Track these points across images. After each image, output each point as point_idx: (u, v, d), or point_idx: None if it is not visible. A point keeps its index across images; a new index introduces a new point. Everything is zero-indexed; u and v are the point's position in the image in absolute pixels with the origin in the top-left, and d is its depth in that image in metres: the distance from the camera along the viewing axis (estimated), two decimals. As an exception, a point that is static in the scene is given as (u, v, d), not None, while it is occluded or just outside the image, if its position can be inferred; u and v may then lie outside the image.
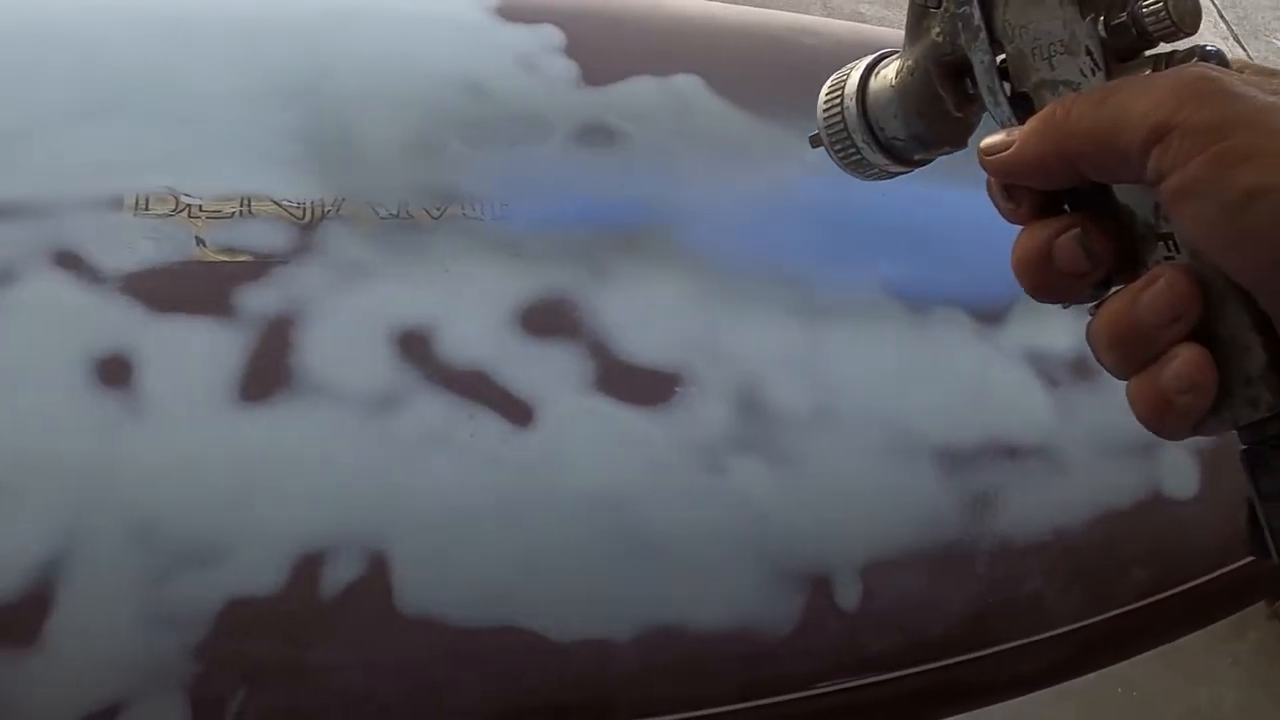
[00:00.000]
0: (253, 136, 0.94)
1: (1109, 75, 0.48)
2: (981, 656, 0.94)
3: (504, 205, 0.95)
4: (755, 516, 0.90)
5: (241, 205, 0.91)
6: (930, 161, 0.58)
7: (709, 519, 0.89)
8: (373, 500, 0.85)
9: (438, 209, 0.94)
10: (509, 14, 1.04)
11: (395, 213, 0.93)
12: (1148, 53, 0.48)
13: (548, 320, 0.90)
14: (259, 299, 0.88)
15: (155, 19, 1.01)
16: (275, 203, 0.91)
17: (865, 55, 0.99)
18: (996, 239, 1.06)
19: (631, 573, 0.87)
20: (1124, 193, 0.46)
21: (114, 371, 0.83)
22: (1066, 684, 1.09)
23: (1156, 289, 0.42)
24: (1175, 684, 2.46)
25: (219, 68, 0.95)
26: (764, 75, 1.07)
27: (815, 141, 0.61)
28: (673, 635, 0.87)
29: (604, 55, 1.03)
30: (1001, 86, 0.50)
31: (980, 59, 0.51)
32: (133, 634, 0.81)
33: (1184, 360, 0.41)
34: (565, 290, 0.92)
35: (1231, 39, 3.65)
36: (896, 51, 0.57)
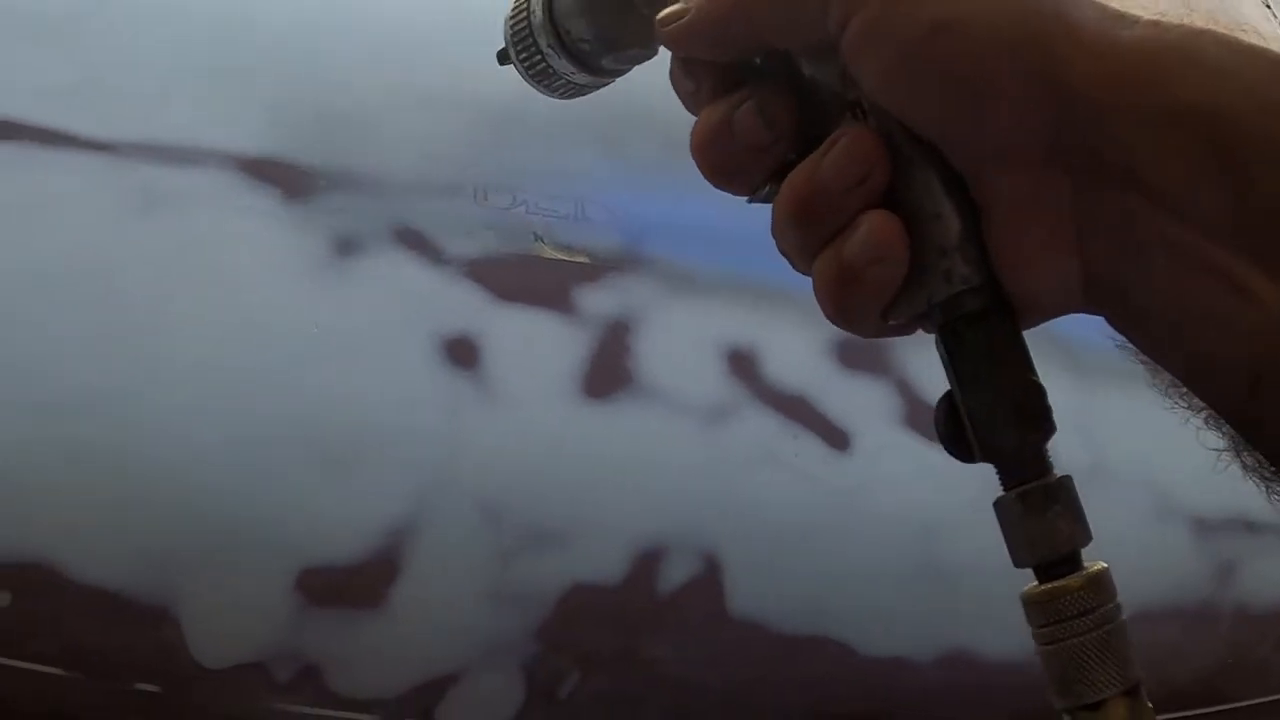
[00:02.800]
0: (579, 148, 0.94)
1: None
2: (1214, 713, 0.97)
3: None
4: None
5: (577, 209, 0.91)
6: (620, 73, 0.52)
7: (1003, 556, 0.91)
8: (707, 505, 0.85)
9: (749, 227, 0.95)
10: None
11: (712, 227, 0.94)
12: None
13: (859, 354, 0.92)
14: (597, 300, 0.88)
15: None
16: (599, 211, 0.92)
17: None
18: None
19: (934, 599, 0.89)
20: (809, 65, 0.40)
21: (462, 353, 0.83)
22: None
23: (838, 149, 0.36)
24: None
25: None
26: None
27: (502, 57, 0.54)
28: (965, 660, 0.89)
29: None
30: None
31: None
32: (476, 608, 0.80)
33: (870, 227, 0.35)
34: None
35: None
36: None
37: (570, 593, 0.81)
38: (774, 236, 0.38)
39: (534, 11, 0.52)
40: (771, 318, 0.92)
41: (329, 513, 0.79)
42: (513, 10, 0.54)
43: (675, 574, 0.83)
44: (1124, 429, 0.97)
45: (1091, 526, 0.90)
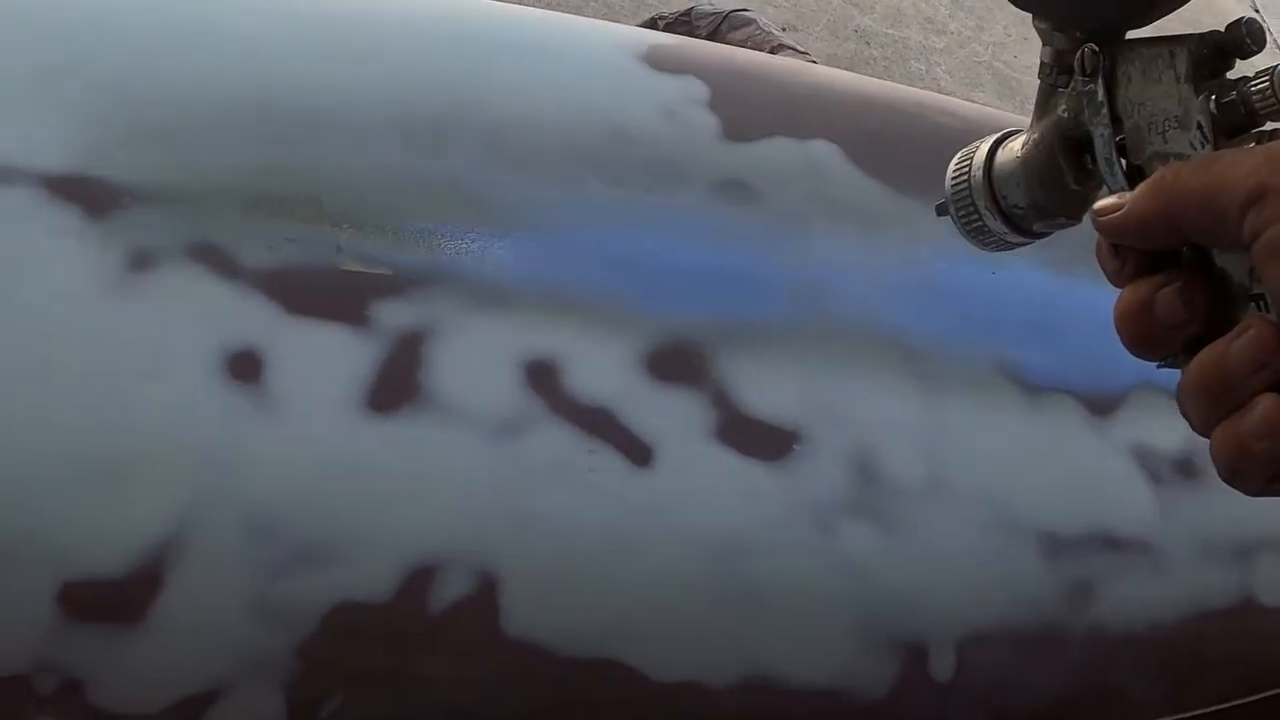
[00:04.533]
0: (393, 154, 0.91)
1: (1216, 148, 0.49)
2: (1064, 742, 0.89)
3: (638, 247, 0.91)
4: (860, 580, 0.86)
5: (385, 221, 0.88)
6: (1046, 235, 0.60)
7: (815, 577, 0.85)
8: (487, 521, 0.81)
9: (573, 242, 0.90)
10: (656, 63, 1.01)
11: (531, 241, 0.90)
12: (1254, 130, 0.50)
13: (674, 365, 0.87)
14: (394, 313, 0.84)
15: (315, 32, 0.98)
16: (412, 221, 0.88)
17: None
18: (1111, 335, 1.03)
19: (735, 621, 0.83)
20: (1222, 257, 0.47)
21: (245, 367, 0.80)
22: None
23: (1245, 338, 0.43)
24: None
25: (366, 93, 0.92)
26: (898, 149, 1.03)
27: (941, 210, 0.62)
28: (769, 687, 0.83)
29: (745, 112, 1.00)
30: (1119, 159, 0.52)
31: (1101, 133, 0.53)
32: (238, 624, 0.78)
33: (1264, 407, 0.42)
34: (692, 337, 0.88)
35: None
36: (1022, 130, 0.59)
37: (335, 610, 0.78)
38: (1179, 400, 0.46)
39: (974, 175, 0.60)
40: (580, 330, 0.88)
41: (94, 526, 0.77)
42: (954, 171, 0.62)
43: (448, 592, 0.79)
44: (969, 440, 0.90)
45: (924, 545, 0.84)
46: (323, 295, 0.84)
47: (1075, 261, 1.00)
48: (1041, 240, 0.96)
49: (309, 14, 0.95)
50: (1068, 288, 1.00)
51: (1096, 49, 0.53)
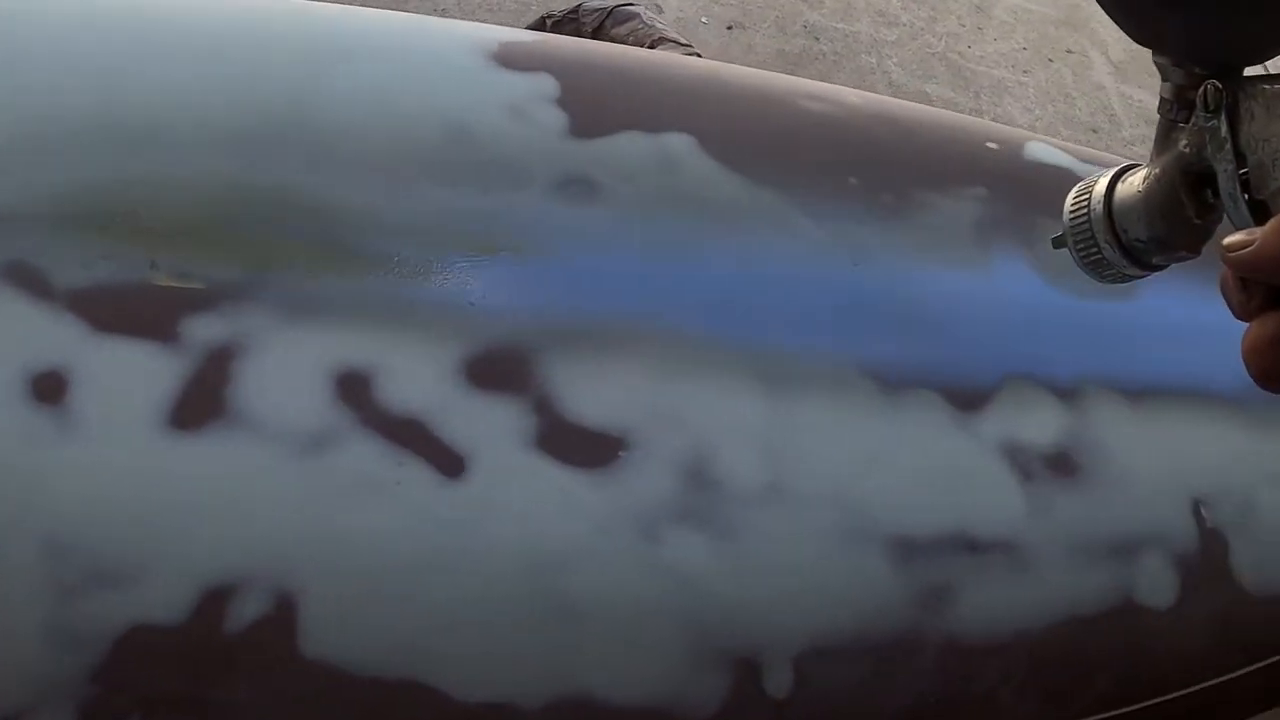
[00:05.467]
0: (216, 165, 0.88)
1: None
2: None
3: (468, 249, 0.87)
4: (687, 591, 0.81)
5: (198, 233, 0.85)
6: (1164, 268, 0.61)
7: (636, 590, 0.80)
8: (286, 540, 0.77)
9: (398, 249, 0.87)
10: (506, 61, 0.97)
11: (355, 250, 0.86)
12: None
13: (495, 372, 0.82)
14: (205, 328, 0.81)
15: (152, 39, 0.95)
16: (232, 233, 0.85)
17: (884, 124, 0.91)
18: (987, 324, 0.96)
19: (547, 638, 0.79)
20: None
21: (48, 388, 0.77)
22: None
23: None
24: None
25: (193, 96, 0.89)
26: (761, 138, 0.98)
27: (1058, 242, 0.63)
28: (583, 707, 0.78)
29: (596, 107, 0.95)
30: (1242, 194, 0.53)
31: (1224, 169, 0.53)
32: (32, 646, 0.75)
33: None
34: (517, 342, 0.84)
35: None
36: (1139, 164, 0.60)
37: (130, 633, 0.75)
38: None
39: (1094, 209, 0.61)
40: (397, 339, 0.84)
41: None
42: (1073, 204, 0.62)
43: (244, 613, 0.76)
44: (817, 442, 0.85)
45: (761, 553, 0.79)
46: (133, 312, 0.81)
47: (944, 250, 0.94)
48: (909, 227, 0.91)
49: (133, 26, 0.93)
50: (936, 279, 0.95)
51: (1220, 86, 0.53)
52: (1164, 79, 0.58)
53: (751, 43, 3.55)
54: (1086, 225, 0.61)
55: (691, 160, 0.95)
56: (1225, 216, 0.55)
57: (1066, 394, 0.93)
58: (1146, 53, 0.60)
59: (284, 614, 0.76)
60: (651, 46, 2.06)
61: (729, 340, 0.88)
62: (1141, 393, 0.95)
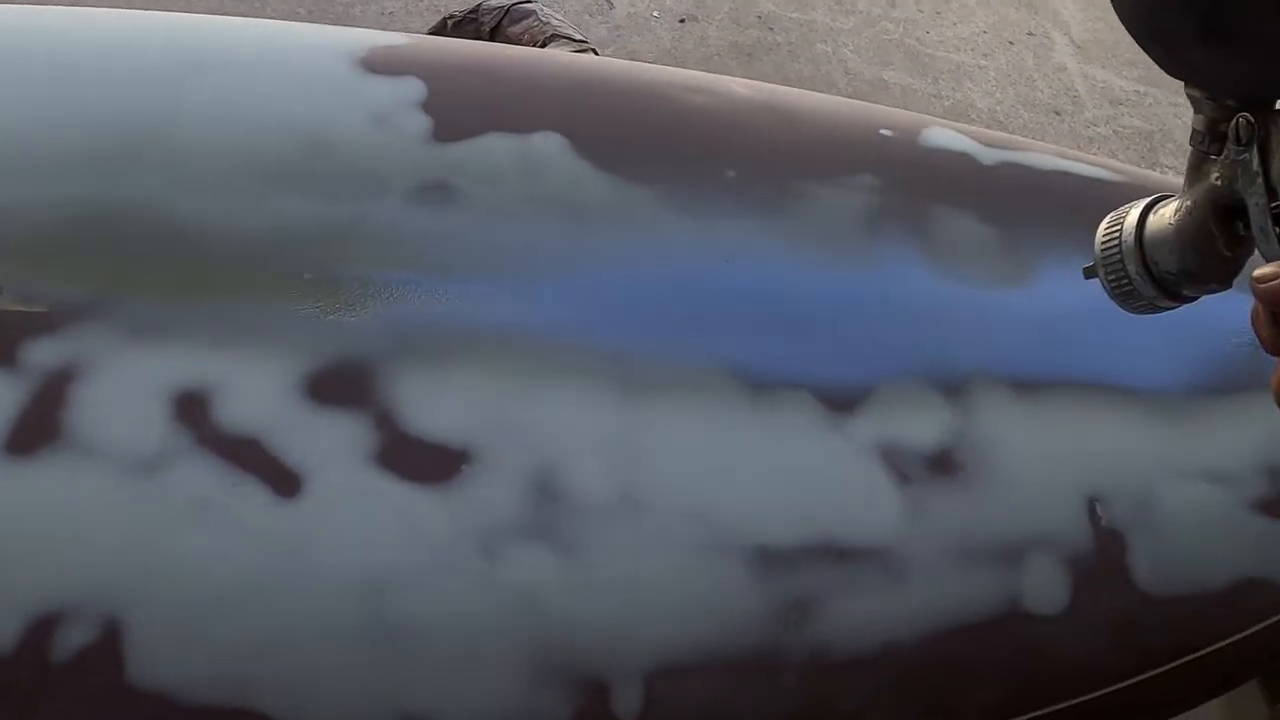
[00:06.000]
0: (69, 187, 0.86)
1: None
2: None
3: (316, 263, 0.84)
4: (530, 610, 0.78)
5: (47, 256, 0.83)
6: (1194, 300, 0.61)
7: (475, 610, 0.77)
8: (115, 566, 0.75)
9: (248, 265, 0.84)
10: (373, 66, 0.94)
11: (203, 268, 0.84)
12: None
13: (337, 387, 0.80)
14: (45, 351, 0.79)
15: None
16: (83, 255, 0.83)
17: (770, 115, 0.87)
18: (867, 319, 0.92)
19: (384, 662, 0.76)
20: None
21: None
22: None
23: None
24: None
25: (45, 118, 0.87)
26: (637, 135, 0.94)
27: (1089, 272, 0.64)
28: (419, 731, 0.75)
29: (462, 110, 0.92)
30: (1274, 227, 0.53)
31: (1256, 202, 0.54)
32: None
33: None
34: (363, 355, 0.81)
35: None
36: (1171, 195, 0.60)
37: (-42, 665, 0.73)
38: None
39: (1125, 240, 0.61)
40: (239, 356, 0.82)
41: None
42: (1104, 235, 0.63)
43: (71, 642, 0.74)
44: (675, 450, 0.82)
45: (609, 568, 0.76)
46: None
47: (825, 244, 0.90)
48: (788, 220, 0.87)
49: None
50: (814, 274, 0.90)
51: (1251, 119, 0.54)
52: (1196, 111, 0.58)
53: (705, 35, 3.50)
54: (1118, 256, 0.61)
55: (560, 160, 0.91)
56: (1256, 249, 0.56)
57: (952, 390, 0.88)
58: (1110, 33, 0.58)
59: (111, 642, 0.74)
60: (544, 44, 2.04)
61: (587, 345, 0.84)
62: (1035, 386, 0.90)
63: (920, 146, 1.01)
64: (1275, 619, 0.90)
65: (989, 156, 1.01)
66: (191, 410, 0.79)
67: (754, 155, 0.95)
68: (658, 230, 0.88)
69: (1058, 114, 3.85)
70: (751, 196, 0.92)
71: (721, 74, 1.02)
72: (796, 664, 0.80)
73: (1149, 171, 1.06)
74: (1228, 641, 0.88)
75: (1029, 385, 0.90)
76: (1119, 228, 0.62)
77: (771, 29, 3.64)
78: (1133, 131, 4.09)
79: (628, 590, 0.79)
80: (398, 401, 0.81)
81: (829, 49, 3.70)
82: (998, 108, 3.79)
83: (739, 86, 1.01)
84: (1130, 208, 0.62)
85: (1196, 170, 0.58)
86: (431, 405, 0.81)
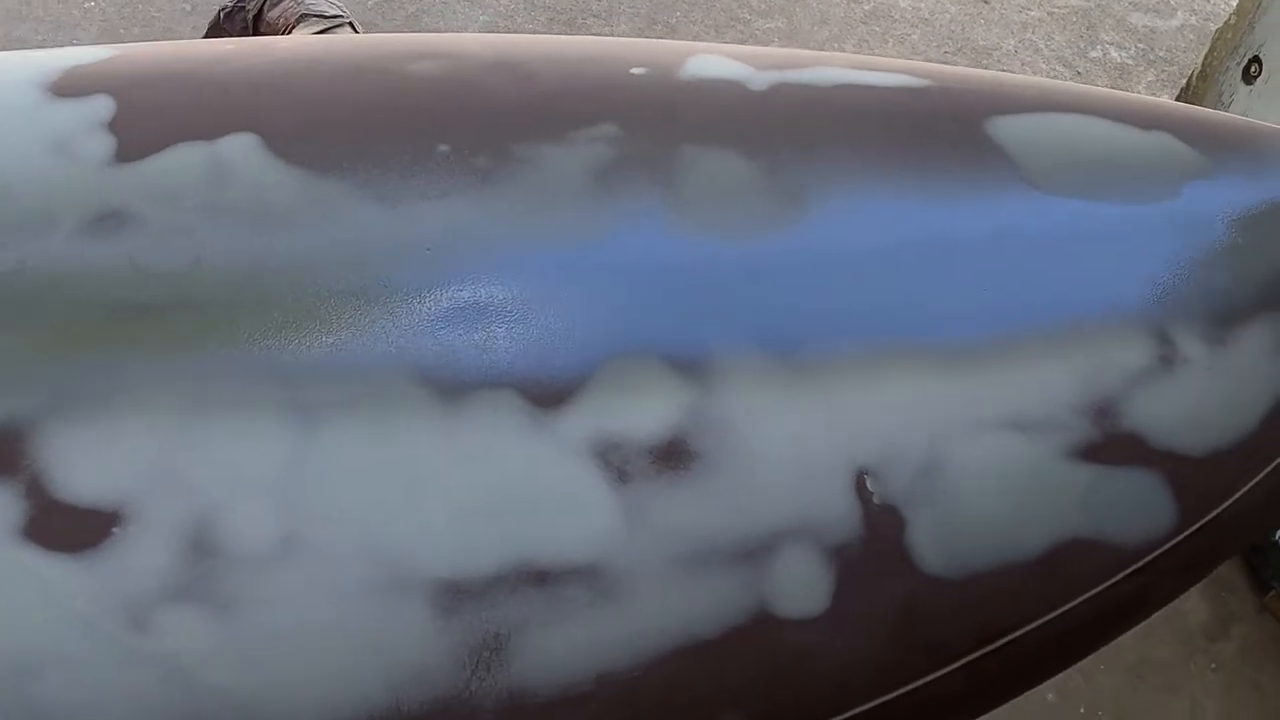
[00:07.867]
0: None
1: None
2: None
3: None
4: (181, 682, 0.69)
5: None
6: None
7: (122, 688, 0.69)
8: None
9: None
10: (63, 90, 0.85)
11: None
12: None
13: (-12, 456, 0.72)
14: None
15: None
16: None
17: (501, 72, 0.75)
18: (587, 297, 0.79)
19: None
20: None
21: None
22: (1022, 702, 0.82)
23: None
24: (1146, 699, 1.96)
25: None
26: (343, 119, 0.83)
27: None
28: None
29: (149, 125, 0.82)
30: None
31: None
32: None
33: None
34: (14, 416, 0.73)
35: None
36: None
37: None
38: None
39: None
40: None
41: None
42: None
43: None
44: (342, 479, 0.72)
45: (269, 623, 0.68)
46: None
47: (544, 214, 0.77)
48: (504, 193, 0.75)
49: None
50: (526, 252, 0.78)
51: None
52: None
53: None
54: None
55: (249, 164, 0.81)
56: None
57: (689, 366, 0.74)
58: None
59: None
60: (290, 29, 1.93)
61: (256, 371, 0.74)
62: (796, 349, 0.75)
63: (678, 80, 0.86)
64: (1113, 580, 0.73)
65: (760, 80, 0.85)
66: None
67: (476, 123, 0.82)
68: (348, 224, 0.77)
69: (986, 2, 3.53)
70: (464, 171, 0.79)
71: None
72: (491, 709, 0.68)
73: (965, 69, 0.88)
74: (1046, 619, 0.72)
75: (787, 349, 0.75)
76: None
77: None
78: (1068, 10, 3.70)
79: (290, 648, 0.69)
80: (49, 464, 0.72)
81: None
82: (922, 4, 3.51)
83: (472, 44, 0.88)
84: None
85: None
86: (85, 464, 0.72)
